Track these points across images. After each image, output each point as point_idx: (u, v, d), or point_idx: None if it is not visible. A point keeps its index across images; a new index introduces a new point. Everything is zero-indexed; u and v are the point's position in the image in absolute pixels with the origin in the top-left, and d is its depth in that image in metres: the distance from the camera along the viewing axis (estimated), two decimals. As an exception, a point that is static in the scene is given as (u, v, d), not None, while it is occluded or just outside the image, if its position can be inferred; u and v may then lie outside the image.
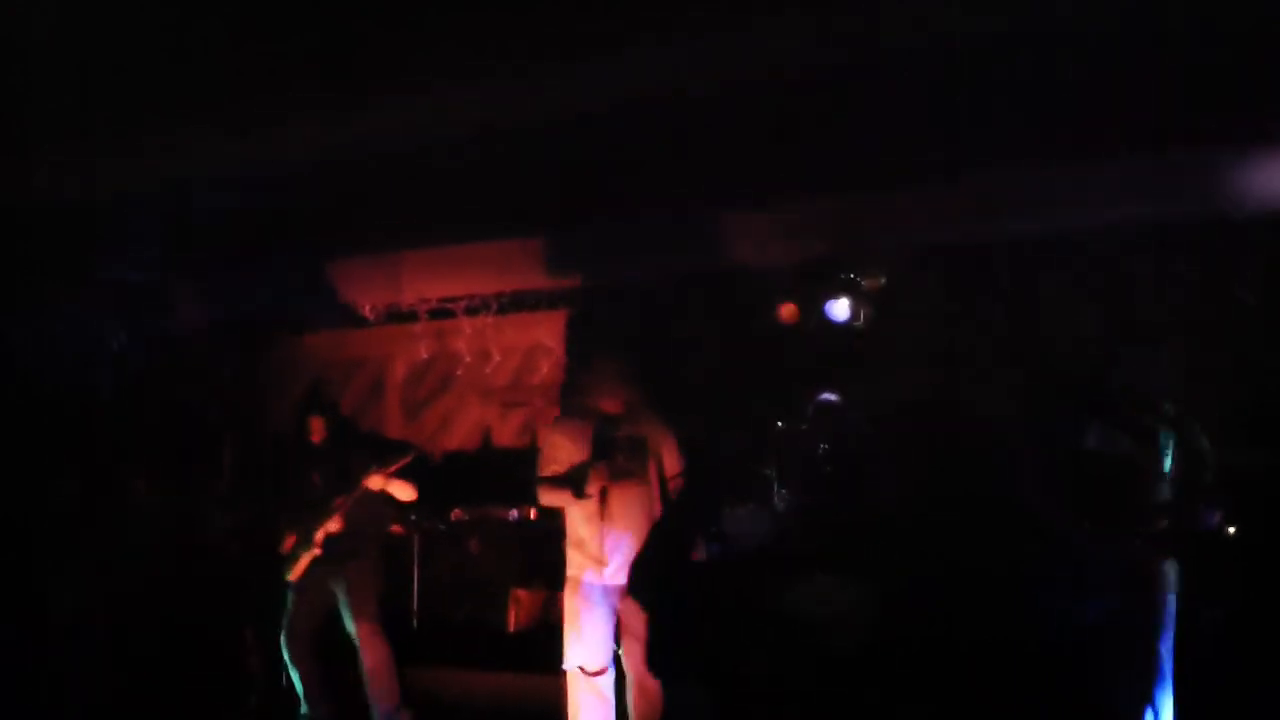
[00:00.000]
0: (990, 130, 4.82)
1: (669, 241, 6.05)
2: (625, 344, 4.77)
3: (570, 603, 4.52)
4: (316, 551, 5.19)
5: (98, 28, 4.32)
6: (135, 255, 6.92)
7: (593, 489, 4.36)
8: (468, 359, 7.00)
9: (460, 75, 4.71)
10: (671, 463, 4.64)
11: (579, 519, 4.49)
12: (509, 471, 6.35)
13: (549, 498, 4.55)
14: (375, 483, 5.15)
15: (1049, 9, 4.04)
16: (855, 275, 5.55)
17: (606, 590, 4.46)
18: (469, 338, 6.93)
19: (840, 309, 5.65)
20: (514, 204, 5.91)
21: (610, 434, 4.43)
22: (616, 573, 4.45)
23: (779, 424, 6.07)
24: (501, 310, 6.70)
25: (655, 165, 5.39)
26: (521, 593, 6.26)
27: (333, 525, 5.17)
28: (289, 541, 5.25)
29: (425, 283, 6.84)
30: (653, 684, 4.48)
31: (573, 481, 4.39)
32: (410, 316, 6.99)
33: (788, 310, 5.83)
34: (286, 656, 5.24)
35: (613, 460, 4.39)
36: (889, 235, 5.47)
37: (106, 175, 5.55)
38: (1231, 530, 4.10)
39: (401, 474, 5.21)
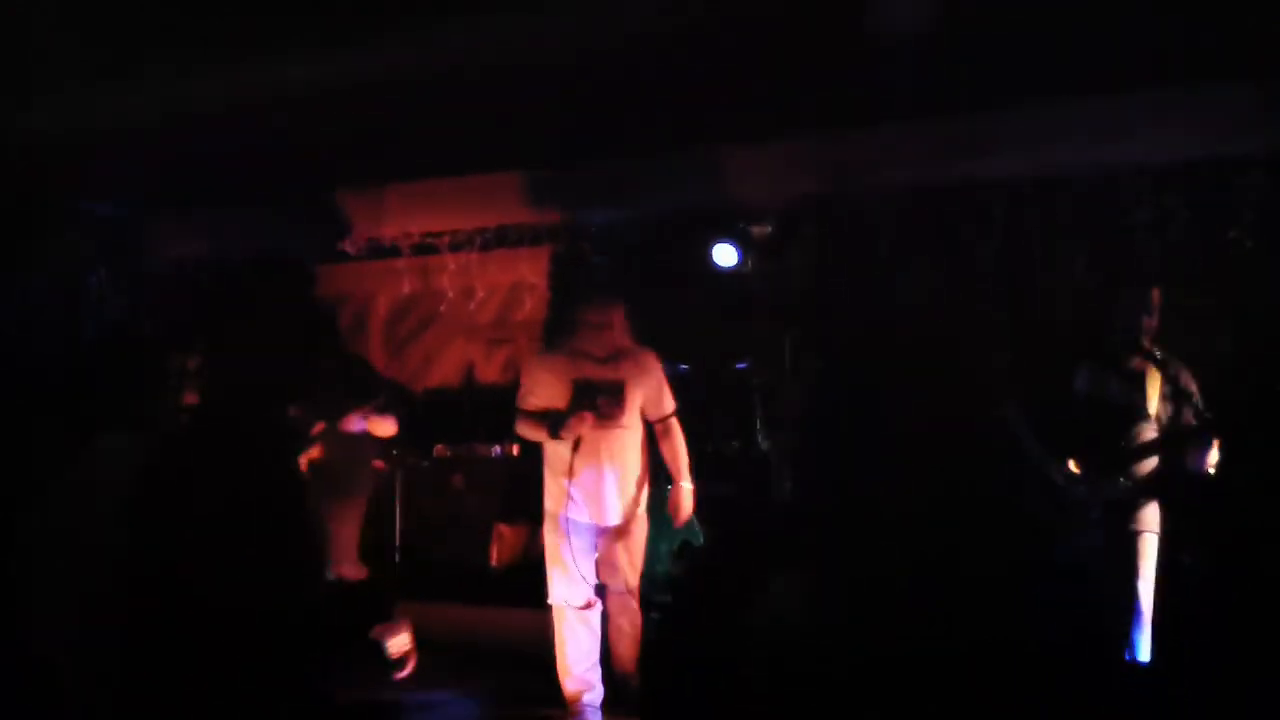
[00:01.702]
0: (978, 68, 4.76)
1: (656, 178, 6.00)
2: (615, 284, 4.73)
3: (549, 538, 4.58)
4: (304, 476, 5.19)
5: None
6: (114, 191, 6.83)
7: (568, 433, 4.40)
8: (451, 295, 6.95)
9: (447, 7, 4.62)
10: (657, 405, 4.64)
11: (557, 456, 4.53)
12: (493, 408, 6.34)
13: (526, 431, 4.60)
14: (352, 423, 5.13)
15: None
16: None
17: (583, 527, 4.51)
18: (453, 274, 6.88)
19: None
20: (498, 138, 5.84)
21: (591, 376, 4.43)
22: (596, 512, 4.49)
23: (764, 367, 6.06)
24: (485, 246, 6.65)
25: (643, 101, 5.32)
26: (504, 528, 6.28)
27: (314, 453, 5.18)
28: None
29: (408, 217, 6.78)
30: (632, 607, 4.58)
31: (551, 421, 4.42)
32: (393, 252, 6.94)
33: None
34: None
35: (592, 403, 4.40)
36: (875, 174, 5.43)
37: (85, 109, 5.45)
38: (1212, 471, 4.11)
39: (379, 409, 5.18)
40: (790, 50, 4.78)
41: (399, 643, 4.95)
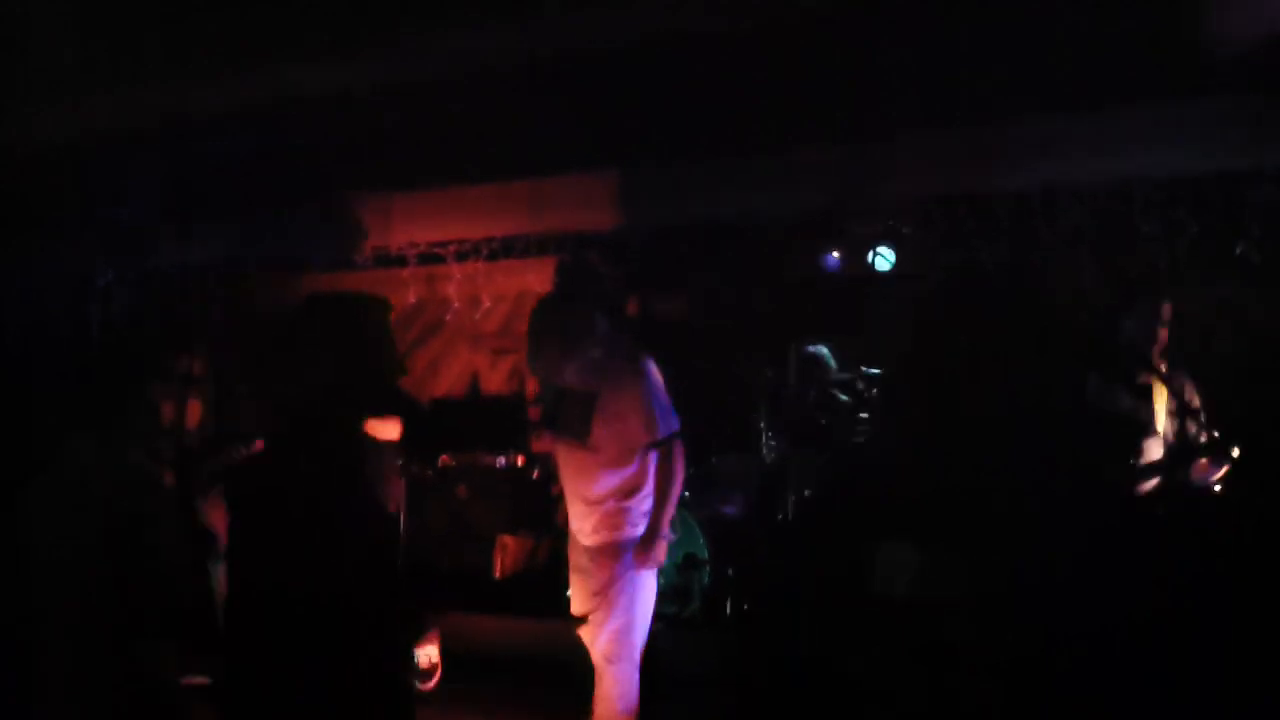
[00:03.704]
0: (990, 80, 4.76)
1: (663, 189, 6.00)
2: (576, 294, 4.39)
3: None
4: None
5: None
6: (124, 196, 6.84)
7: (536, 445, 4.20)
8: (457, 304, 6.96)
9: (454, 15, 4.63)
10: (637, 429, 4.08)
11: None
12: (497, 418, 6.34)
13: None
14: None
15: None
16: (855, 226, 5.51)
17: (578, 544, 4.25)
18: (459, 283, 6.87)
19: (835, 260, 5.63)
20: (506, 147, 5.84)
21: (567, 388, 4.12)
22: (578, 532, 4.22)
23: (768, 374, 6.07)
24: (492, 256, 6.64)
25: (650, 111, 5.33)
26: (509, 539, 6.28)
27: None
28: None
29: (415, 227, 6.78)
30: (603, 670, 4.13)
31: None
32: (399, 261, 6.93)
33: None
34: None
35: (556, 416, 4.16)
36: (889, 186, 5.42)
37: (96, 115, 5.47)
38: (1218, 489, 4.10)
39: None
40: (795, 63, 4.79)
41: (427, 653, 4.74)
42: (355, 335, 2.51)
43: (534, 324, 4.08)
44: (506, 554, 6.25)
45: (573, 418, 4.09)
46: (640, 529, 4.12)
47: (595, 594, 4.10)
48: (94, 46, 4.74)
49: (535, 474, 4.36)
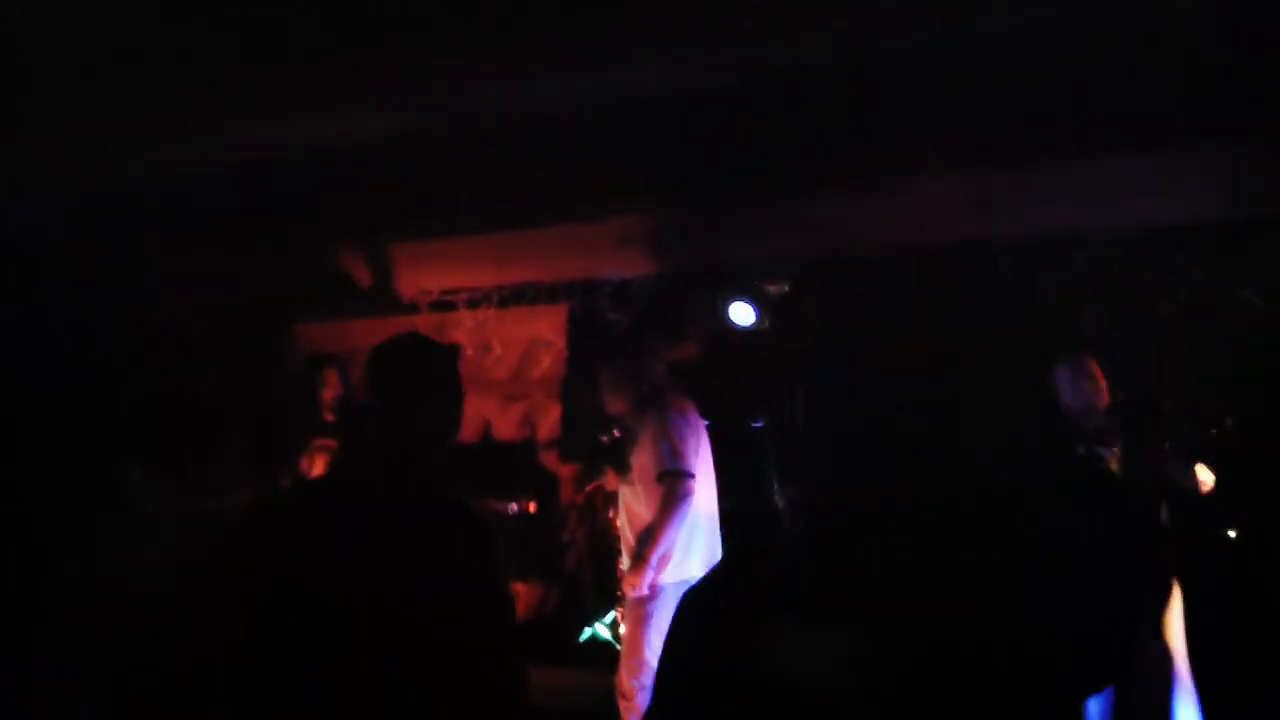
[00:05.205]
0: (989, 127, 4.80)
1: (673, 237, 6.05)
2: (614, 343, 4.70)
3: None
4: None
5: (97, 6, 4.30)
6: (126, 237, 6.88)
7: (610, 483, 4.52)
8: (468, 351, 7.00)
9: (464, 64, 4.69)
10: (646, 464, 4.26)
11: None
12: (508, 464, 6.36)
13: None
14: None
15: (1049, 4, 4.02)
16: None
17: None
18: (470, 330, 6.93)
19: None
20: (515, 196, 5.89)
21: (615, 432, 4.49)
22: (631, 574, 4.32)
23: (773, 420, 6.06)
24: (502, 303, 6.70)
25: (657, 160, 5.38)
26: (519, 586, 6.27)
27: None
28: None
29: (426, 273, 6.84)
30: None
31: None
32: (411, 308, 6.99)
33: None
34: None
35: (604, 461, 4.48)
36: (889, 234, 5.46)
37: (103, 157, 5.53)
38: (1231, 535, 4.08)
39: None
40: (795, 114, 4.84)
41: None
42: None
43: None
44: (517, 601, 6.24)
45: (621, 455, 4.40)
46: (663, 576, 4.20)
47: (625, 621, 4.38)
48: (104, 87, 4.79)
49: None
